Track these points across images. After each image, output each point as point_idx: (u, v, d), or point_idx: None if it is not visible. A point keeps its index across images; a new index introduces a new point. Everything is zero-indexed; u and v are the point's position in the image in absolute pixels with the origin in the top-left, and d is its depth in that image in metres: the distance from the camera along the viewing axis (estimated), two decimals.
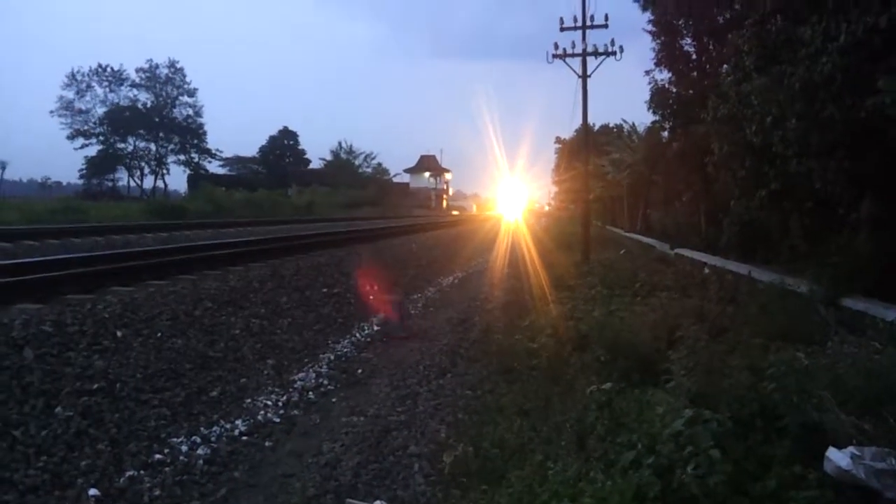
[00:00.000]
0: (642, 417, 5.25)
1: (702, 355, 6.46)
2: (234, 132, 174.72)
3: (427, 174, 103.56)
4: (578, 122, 24.67)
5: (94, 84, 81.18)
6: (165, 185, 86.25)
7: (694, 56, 27.87)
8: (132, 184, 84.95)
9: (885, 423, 4.97)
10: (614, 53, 22.26)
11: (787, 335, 9.34)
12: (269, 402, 7.57)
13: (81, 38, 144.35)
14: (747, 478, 4.14)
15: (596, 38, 39.62)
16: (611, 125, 56.51)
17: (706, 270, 17.93)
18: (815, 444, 4.53)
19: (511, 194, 71.89)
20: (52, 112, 79.11)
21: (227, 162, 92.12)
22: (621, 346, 8.18)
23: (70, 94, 79.69)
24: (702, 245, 24.20)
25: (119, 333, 7.83)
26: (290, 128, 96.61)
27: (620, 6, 29.57)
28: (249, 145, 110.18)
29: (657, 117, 31.09)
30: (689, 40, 27.90)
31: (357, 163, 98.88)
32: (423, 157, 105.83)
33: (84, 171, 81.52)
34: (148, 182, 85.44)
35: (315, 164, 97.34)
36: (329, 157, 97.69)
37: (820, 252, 14.51)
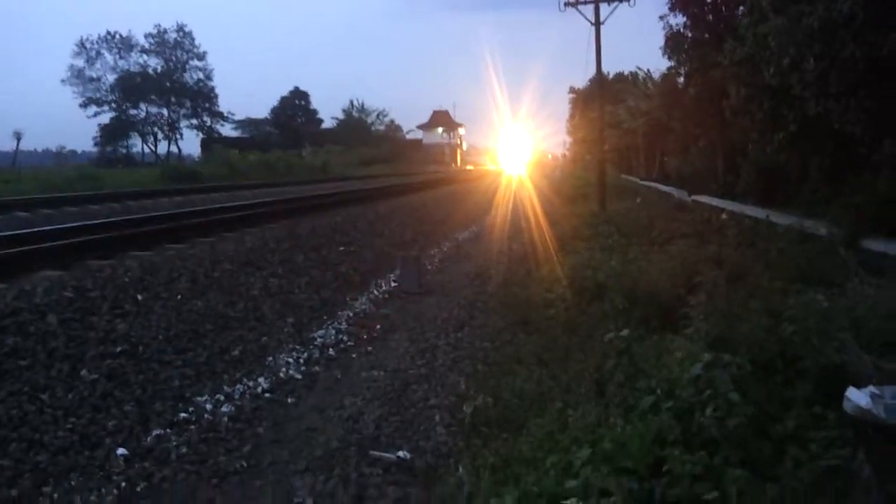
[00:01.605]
0: (661, 363, 5.25)
1: (720, 300, 6.43)
2: (246, 94, 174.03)
3: (440, 130, 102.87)
4: (592, 71, 24.43)
5: (103, 51, 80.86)
6: (179, 150, 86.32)
7: None
8: (146, 150, 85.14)
9: None
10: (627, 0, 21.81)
11: (807, 278, 9.29)
12: (291, 360, 7.64)
13: (89, 6, 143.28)
14: (767, 419, 4.15)
15: None
16: (625, 73, 55.67)
17: (724, 216, 17.80)
18: (835, 385, 4.52)
19: (515, 146, 69.88)
20: (63, 81, 79.11)
21: (240, 124, 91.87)
22: (639, 294, 8.18)
23: (80, 63, 79.50)
24: (719, 191, 23.99)
25: (140, 297, 7.92)
26: (301, 88, 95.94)
27: None
28: (261, 106, 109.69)
29: (672, 63, 30.58)
30: None
31: (370, 121, 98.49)
32: (435, 113, 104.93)
33: (98, 139, 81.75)
34: (162, 147, 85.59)
35: (327, 123, 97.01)
36: (341, 116, 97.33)
37: (840, 194, 14.35)
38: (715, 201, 21.63)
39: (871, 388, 4.27)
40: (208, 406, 6.14)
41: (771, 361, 5.18)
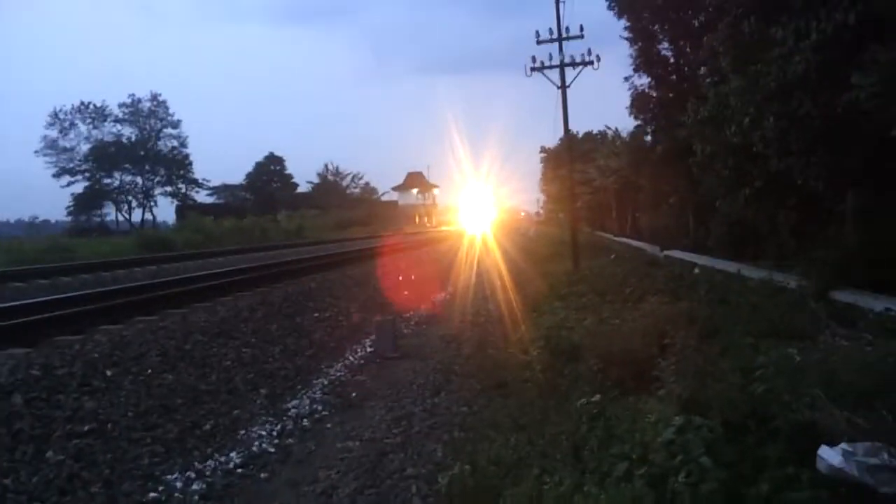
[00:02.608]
0: (635, 427, 5.23)
1: (691, 360, 6.46)
2: (221, 160, 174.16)
3: (415, 191, 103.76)
4: (561, 131, 24.81)
5: (77, 122, 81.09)
6: (154, 217, 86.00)
7: (672, 60, 28.10)
8: (120, 218, 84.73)
9: (878, 417, 4.97)
10: (591, 63, 22.39)
11: (779, 331, 9.37)
12: (264, 432, 7.52)
13: (62, 76, 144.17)
14: (741, 483, 4.13)
15: (573, 48, 39.86)
16: (594, 132, 56.84)
17: (696, 271, 17.99)
18: (808, 443, 4.53)
19: (485, 205, 69.26)
20: (36, 152, 78.99)
21: (215, 190, 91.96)
22: (614, 355, 8.18)
23: (54, 133, 79.59)
24: (691, 246, 24.30)
25: (109, 373, 7.80)
26: (276, 153, 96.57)
27: (596, 14, 29.79)
28: (236, 172, 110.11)
29: (639, 122, 31.33)
30: (665, 44, 28.15)
31: (344, 184, 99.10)
32: (410, 174, 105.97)
33: (71, 208, 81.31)
34: (136, 215, 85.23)
35: (303, 187, 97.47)
36: (316, 180, 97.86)
37: (808, 247, 14.59)
38: (687, 256, 21.89)
39: (844, 446, 4.29)
40: (178, 484, 6.00)
41: (743, 421, 5.18)
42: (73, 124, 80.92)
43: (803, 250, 14.77)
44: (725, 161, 16.25)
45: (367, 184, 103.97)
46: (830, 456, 4.20)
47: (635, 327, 9.28)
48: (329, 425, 7.95)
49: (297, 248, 35.36)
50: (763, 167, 14.35)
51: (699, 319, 9.75)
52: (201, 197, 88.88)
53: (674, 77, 27.71)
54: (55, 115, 79.95)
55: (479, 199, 68.69)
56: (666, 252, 24.71)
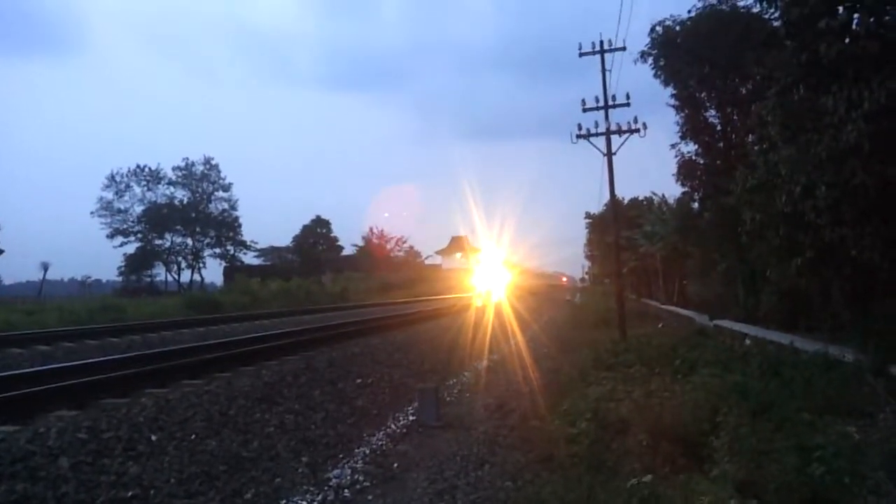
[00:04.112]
0: None
1: (746, 440, 6.23)
2: (269, 222, 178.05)
3: (459, 255, 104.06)
4: (607, 197, 24.78)
5: (132, 184, 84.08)
6: (202, 279, 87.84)
7: (719, 127, 28.06)
8: (170, 278, 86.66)
9: None
10: (638, 130, 22.42)
11: (836, 408, 9.03)
12: (305, 503, 7.41)
13: (117, 137, 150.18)
14: None
15: (619, 116, 40.11)
16: (640, 198, 56.64)
17: (747, 342, 17.54)
18: None
19: (505, 269, 65.04)
20: (92, 213, 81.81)
21: (262, 252, 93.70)
22: (663, 430, 7.94)
23: (109, 195, 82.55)
24: (741, 315, 23.77)
25: (153, 437, 7.81)
26: (323, 216, 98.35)
27: (642, 80, 30.05)
28: (284, 234, 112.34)
29: (686, 188, 31.14)
30: (712, 112, 28.16)
31: (389, 247, 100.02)
32: (454, 238, 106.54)
33: (123, 269, 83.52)
34: (185, 276, 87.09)
35: (348, 250, 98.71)
36: (361, 243, 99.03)
37: (864, 319, 14.14)
38: (737, 326, 21.38)
39: None
40: None
41: None
42: (128, 186, 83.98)
43: (859, 322, 14.31)
44: (776, 230, 15.95)
45: (411, 247, 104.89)
46: None
47: (685, 401, 9.04)
48: (370, 497, 7.80)
49: (341, 311, 35.56)
50: (815, 237, 14.04)
51: (752, 394, 9.46)
52: (249, 258, 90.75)
53: (721, 144, 27.62)
54: (112, 177, 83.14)
55: (512, 264, 67.42)
56: (715, 321, 24.19)
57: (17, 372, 10.76)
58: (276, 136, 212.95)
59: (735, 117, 26.57)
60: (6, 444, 6.76)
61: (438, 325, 25.29)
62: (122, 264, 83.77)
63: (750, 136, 21.18)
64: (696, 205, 32.47)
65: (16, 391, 8.85)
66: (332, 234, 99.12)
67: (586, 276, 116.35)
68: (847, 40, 12.21)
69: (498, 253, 61.08)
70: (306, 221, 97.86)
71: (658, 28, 27.47)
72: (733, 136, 26.80)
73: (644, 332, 22.00)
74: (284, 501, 7.38)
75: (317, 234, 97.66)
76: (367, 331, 20.42)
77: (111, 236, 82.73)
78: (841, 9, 12.41)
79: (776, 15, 15.05)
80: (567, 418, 10.00)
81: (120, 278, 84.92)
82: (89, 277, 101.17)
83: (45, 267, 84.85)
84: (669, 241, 39.54)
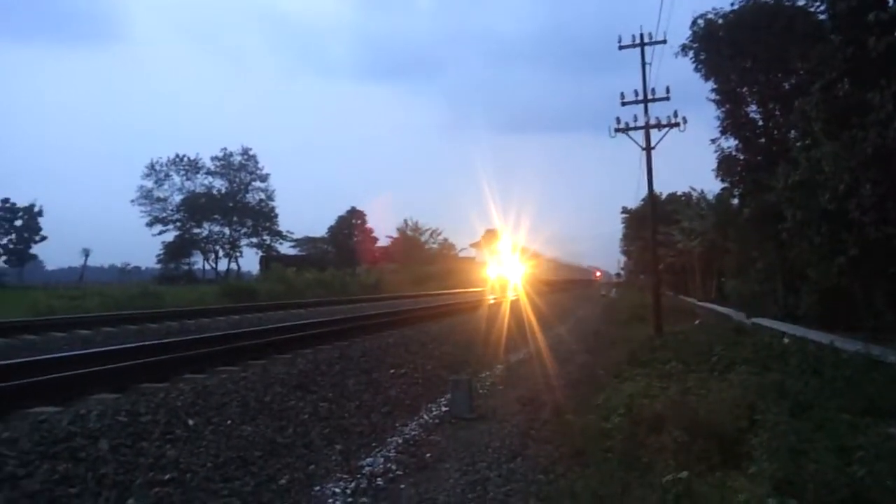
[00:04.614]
0: None
1: (784, 438, 6.13)
2: (304, 212, 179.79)
3: (491, 248, 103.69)
4: (644, 191, 24.52)
5: (171, 173, 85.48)
6: (238, 267, 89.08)
7: (760, 122, 27.58)
8: (207, 266, 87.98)
9: None
10: (678, 125, 22.10)
11: (878, 409, 8.83)
12: (338, 490, 7.46)
13: (157, 127, 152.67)
14: None
15: (658, 110, 39.60)
16: (678, 193, 55.98)
17: (786, 340, 17.24)
18: None
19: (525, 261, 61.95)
20: (132, 201, 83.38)
21: (298, 242, 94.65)
22: (699, 427, 7.85)
23: (149, 184, 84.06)
24: (780, 314, 23.39)
25: (191, 422, 7.93)
26: (358, 207, 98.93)
27: (681, 74, 29.69)
28: (319, 224, 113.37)
29: (726, 184, 30.68)
30: (754, 107, 27.68)
31: (423, 239, 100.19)
32: (487, 231, 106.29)
33: (161, 256, 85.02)
34: (222, 264, 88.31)
35: (382, 241, 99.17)
36: (395, 235, 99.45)
37: None
38: (776, 324, 21.01)
39: None
40: None
41: None
42: (167, 176, 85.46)
43: None
44: (818, 227, 15.66)
45: (445, 240, 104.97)
46: None
47: (722, 398, 8.93)
48: (403, 486, 7.84)
49: (375, 302, 35.72)
50: (859, 235, 13.75)
51: (790, 393, 9.31)
52: (284, 248, 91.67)
53: (762, 140, 27.15)
54: (152, 166, 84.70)
55: (543, 257, 66.28)
56: (753, 319, 23.82)
57: (59, 355, 10.98)
58: (312, 126, 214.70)
59: (777, 112, 26.09)
60: (49, 425, 6.90)
61: (472, 317, 25.28)
62: (161, 252, 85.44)
63: (792, 131, 20.81)
64: (735, 201, 32.02)
65: (58, 374, 9.05)
66: (366, 226, 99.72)
67: (622, 272, 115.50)
68: None
69: (529, 246, 60.25)
70: (342, 212, 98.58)
71: (700, 21, 27.06)
72: (775, 131, 26.34)
73: (680, 328, 21.78)
74: (318, 488, 7.45)
75: (351, 226, 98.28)
76: (400, 322, 20.49)
77: (150, 224, 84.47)
78: (892, 1, 12.11)
79: (822, 8, 14.79)
80: (601, 413, 9.96)
81: (158, 266, 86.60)
82: (129, 264, 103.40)
83: (87, 253, 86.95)
84: (707, 238, 39.05)
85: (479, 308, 29.64)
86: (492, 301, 33.70)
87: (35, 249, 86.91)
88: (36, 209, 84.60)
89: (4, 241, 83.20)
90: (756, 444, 6.24)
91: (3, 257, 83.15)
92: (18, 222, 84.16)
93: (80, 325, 16.85)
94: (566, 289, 71.19)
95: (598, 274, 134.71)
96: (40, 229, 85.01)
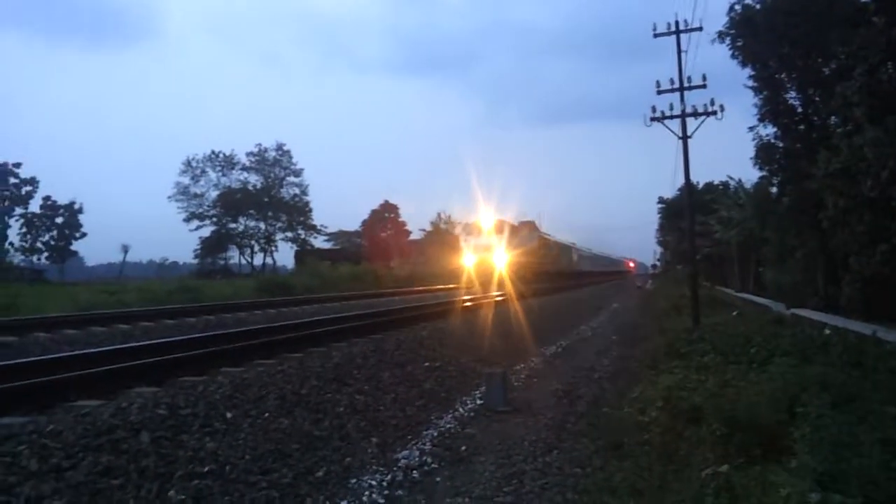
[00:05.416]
0: (765, 501, 4.87)
1: (827, 431, 5.99)
2: (338, 206, 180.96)
3: (524, 238, 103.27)
4: (681, 181, 24.18)
5: (207, 169, 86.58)
6: (274, 262, 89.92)
7: (799, 109, 27.04)
8: (243, 261, 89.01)
9: None
10: (714, 113, 21.69)
11: None
12: (374, 482, 7.50)
13: (193, 124, 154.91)
14: None
15: (694, 98, 39.00)
16: (716, 183, 55.21)
17: (827, 332, 16.89)
18: None
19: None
20: (169, 197, 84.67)
21: (332, 236, 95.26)
22: (738, 420, 7.72)
23: (186, 180, 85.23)
24: (820, 304, 22.96)
25: (229, 415, 8.01)
26: (391, 201, 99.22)
27: (719, 63, 29.24)
28: (353, 218, 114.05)
29: (764, 173, 30.19)
30: (793, 93, 27.15)
31: (456, 232, 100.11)
32: (522, 223, 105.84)
33: (198, 251, 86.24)
34: (258, 259, 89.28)
35: (415, 234, 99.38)
36: (429, 228, 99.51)
37: None
38: (816, 315, 20.62)
39: None
40: None
41: (888, 502, 4.73)
42: (203, 172, 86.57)
43: None
44: (860, 215, 15.33)
45: None
46: None
47: (762, 391, 8.77)
48: (438, 479, 7.85)
49: (409, 295, 35.80)
50: None
51: (832, 385, 9.10)
52: (319, 242, 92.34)
53: (802, 127, 26.62)
54: (188, 163, 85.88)
55: (575, 248, 64.81)
56: (793, 310, 23.41)
57: (100, 349, 11.16)
58: (346, 121, 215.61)
59: (817, 98, 25.54)
60: (91, 419, 7.02)
61: (505, 309, 25.19)
62: (198, 247, 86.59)
63: (833, 118, 20.35)
64: (774, 189, 31.47)
65: (99, 367, 9.22)
66: (399, 219, 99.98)
67: (658, 262, 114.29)
68: None
69: (560, 235, 59.32)
70: (375, 206, 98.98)
71: (737, 7, 26.61)
72: (815, 118, 25.81)
73: (718, 320, 21.43)
74: (355, 480, 7.49)
75: (385, 219, 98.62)
76: (434, 315, 20.50)
77: (187, 220, 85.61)
78: None
79: None
80: (637, 406, 9.86)
81: (196, 261, 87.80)
82: (167, 259, 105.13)
83: (126, 249, 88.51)
84: (746, 227, 38.43)
85: (511, 300, 29.52)
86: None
87: (76, 246, 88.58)
88: (76, 207, 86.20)
89: (46, 237, 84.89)
90: (797, 437, 6.11)
91: (45, 254, 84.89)
92: (60, 220, 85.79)
93: (119, 320, 17.12)
94: (599, 281, 70.53)
95: (632, 265, 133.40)
96: (81, 226, 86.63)
